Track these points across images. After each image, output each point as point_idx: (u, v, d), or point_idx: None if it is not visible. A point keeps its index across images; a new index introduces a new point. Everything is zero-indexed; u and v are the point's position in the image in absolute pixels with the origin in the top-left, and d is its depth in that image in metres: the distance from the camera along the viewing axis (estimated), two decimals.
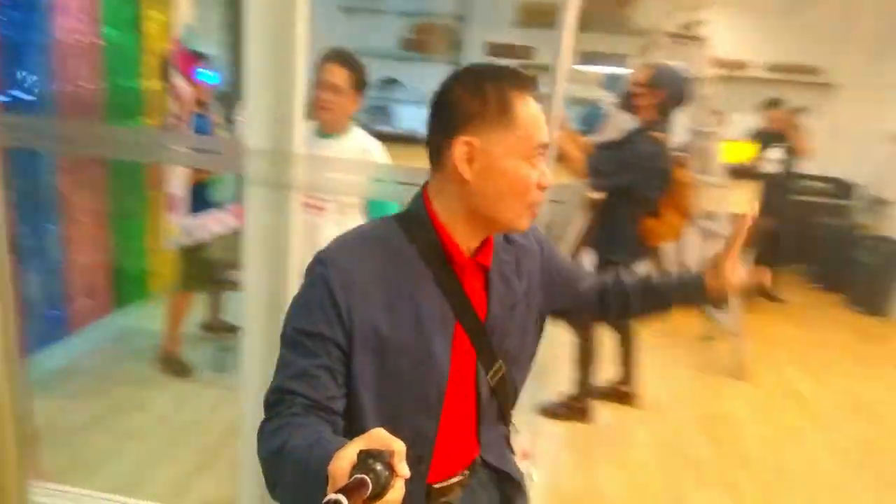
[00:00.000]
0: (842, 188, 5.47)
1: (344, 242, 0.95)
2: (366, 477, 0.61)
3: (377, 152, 2.09)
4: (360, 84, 2.08)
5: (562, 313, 1.17)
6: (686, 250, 3.91)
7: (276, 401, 0.87)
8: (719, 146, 3.60)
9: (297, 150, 1.67)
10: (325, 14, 5.44)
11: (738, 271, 1.11)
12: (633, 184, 2.68)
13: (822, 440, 3.01)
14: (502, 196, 0.91)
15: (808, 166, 4.93)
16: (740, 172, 4.49)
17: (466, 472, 1.04)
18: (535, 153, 0.90)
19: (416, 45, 5.60)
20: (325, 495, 0.63)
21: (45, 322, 2.96)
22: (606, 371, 3.11)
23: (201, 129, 2.87)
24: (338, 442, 0.72)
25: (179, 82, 2.67)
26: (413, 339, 0.92)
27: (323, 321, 0.87)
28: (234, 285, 3.37)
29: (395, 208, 2.17)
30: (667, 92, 2.72)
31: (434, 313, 0.93)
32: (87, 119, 2.92)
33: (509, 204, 0.91)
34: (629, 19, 5.39)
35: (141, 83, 3.33)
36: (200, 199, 2.93)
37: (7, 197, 1.68)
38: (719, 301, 1.14)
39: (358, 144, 2.08)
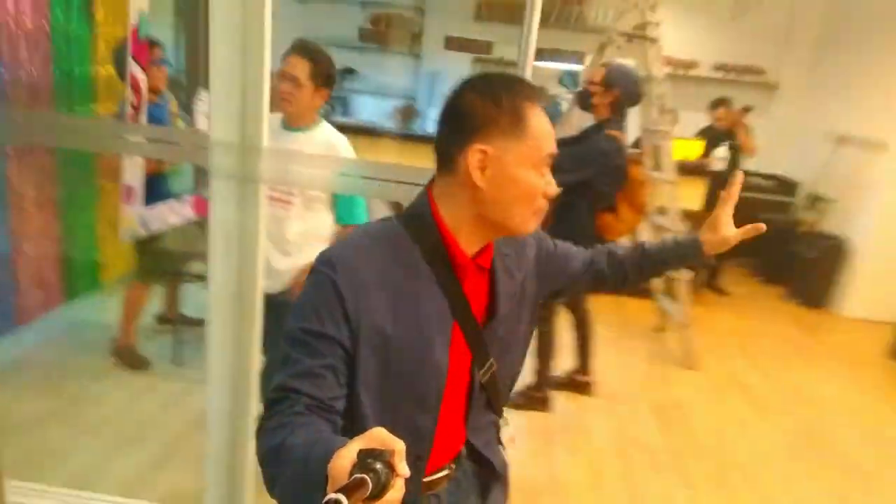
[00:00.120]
0: (784, 186, 5.73)
1: (349, 242, 0.95)
2: (366, 476, 0.60)
3: (343, 147, 2.08)
4: (323, 77, 2.04)
5: (555, 293, 1.20)
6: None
7: (278, 399, 0.87)
8: (671, 144, 3.73)
9: (263, 143, 1.67)
10: (281, 2, 5.35)
11: (732, 228, 1.20)
12: (590, 180, 2.76)
13: (766, 427, 3.18)
14: (512, 203, 0.93)
15: (752, 164, 5.15)
16: (689, 169, 4.65)
17: (453, 465, 1.07)
18: (543, 162, 0.93)
19: (375, 35, 5.58)
20: (325, 494, 0.63)
21: None
22: (565, 362, 3.20)
23: (157, 117, 2.80)
24: (338, 441, 0.72)
25: (135, 70, 2.59)
26: (415, 340, 0.93)
27: (330, 322, 0.88)
28: (191, 277, 3.31)
29: (362, 203, 2.20)
30: (621, 91, 2.81)
31: (434, 314, 0.95)
32: (35, 106, 2.81)
33: (518, 210, 0.94)
34: (585, 17, 5.50)
35: (92, 70, 3.22)
36: (157, 189, 2.87)
37: None
38: (711, 258, 1.22)
39: (324, 139, 2.07)
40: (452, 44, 5.59)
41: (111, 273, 3.66)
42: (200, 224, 3.27)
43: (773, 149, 5.18)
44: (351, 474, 0.62)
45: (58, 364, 2.93)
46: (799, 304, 5.11)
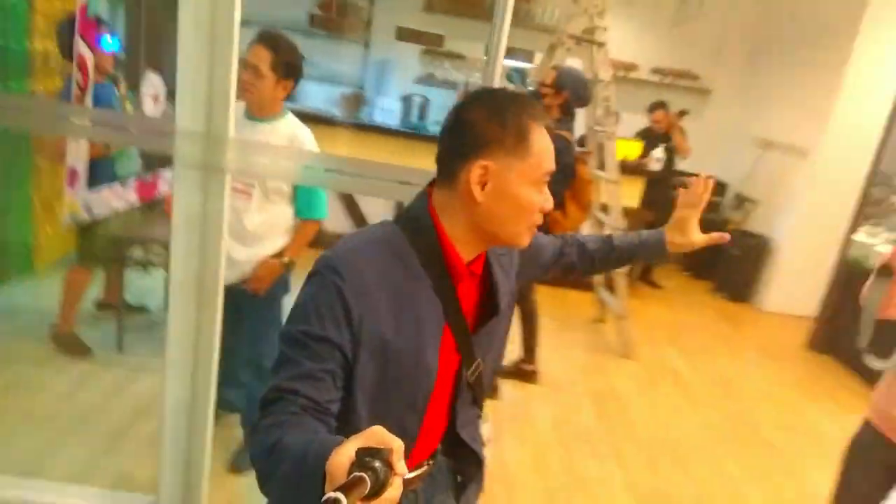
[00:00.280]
0: (713, 185, 6.07)
1: (352, 247, 0.96)
2: (364, 475, 0.60)
3: (308, 140, 2.08)
4: (286, 68, 2.02)
5: (527, 280, 1.25)
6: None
7: (275, 399, 0.87)
8: (615, 144, 3.91)
9: (229, 133, 1.67)
10: None
11: (698, 232, 1.27)
12: None
13: (695, 413, 3.41)
14: (509, 218, 0.96)
15: (686, 165, 5.43)
16: (629, 169, 4.87)
17: (430, 461, 1.10)
18: (543, 180, 0.96)
19: (325, 22, 5.51)
20: (322, 491, 0.65)
21: None
22: (511, 351, 3.32)
23: (103, 99, 2.71)
24: (335, 439, 0.72)
25: (82, 49, 2.50)
26: (411, 344, 0.95)
27: (332, 327, 0.89)
28: (134, 263, 3.23)
29: (323, 197, 2.21)
30: (571, 93, 2.94)
31: (429, 318, 0.97)
32: None
33: (513, 225, 0.97)
34: (533, 15, 5.62)
35: (28, 44, 3.07)
36: (101, 173, 2.78)
37: None
38: (673, 256, 1.30)
39: (287, 131, 2.06)
40: (404, 34, 5.59)
41: (45, 257, 3.51)
42: (144, 209, 3.18)
43: (704, 151, 5.47)
44: (349, 473, 0.62)
45: None
46: (725, 298, 5.45)
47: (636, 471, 2.77)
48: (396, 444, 0.65)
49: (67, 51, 2.53)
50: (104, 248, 2.97)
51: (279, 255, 2.14)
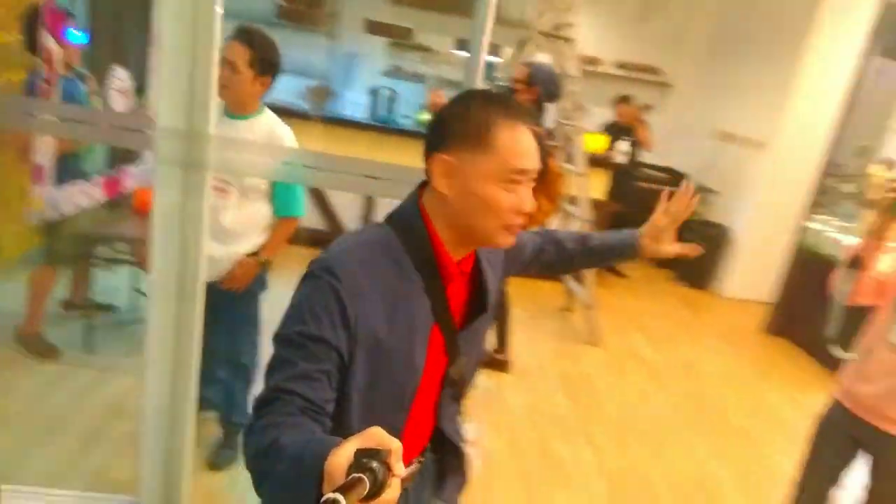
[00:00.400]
0: (675, 177, 6.24)
1: (346, 248, 0.97)
2: (363, 476, 0.60)
3: (287, 137, 2.08)
4: (262, 64, 2.02)
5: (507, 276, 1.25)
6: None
7: (272, 399, 0.87)
8: (583, 138, 4.00)
9: (210, 130, 1.67)
10: None
11: (673, 242, 1.29)
12: None
13: (661, 396, 3.55)
14: (475, 215, 0.96)
15: (649, 157, 5.59)
16: (595, 162, 4.98)
17: (421, 459, 1.11)
18: (510, 178, 0.94)
19: (292, 13, 5.45)
20: (319, 491, 0.66)
21: None
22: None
23: (70, 94, 2.65)
24: (333, 440, 0.72)
25: (48, 42, 2.44)
26: (403, 343, 0.96)
27: (329, 328, 0.89)
28: (101, 261, 3.17)
29: (301, 195, 2.21)
30: (542, 88, 3.00)
31: (420, 318, 0.98)
32: None
33: (482, 223, 0.96)
34: (501, 10, 5.67)
35: None
36: (68, 170, 2.72)
37: None
38: (645, 259, 1.34)
39: (265, 128, 2.05)
40: (372, 27, 5.57)
41: (7, 255, 3.41)
42: (110, 206, 3.13)
43: (666, 143, 5.63)
44: (348, 473, 0.62)
45: None
46: (686, 286, 5.63)
47: (607, 452, 2.88)
48: (395, 445, 0.66)
49: (32, 43, 2.47)
50: (70, 247, 2.91)
51: (256, 253, 2.14)
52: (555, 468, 2.70)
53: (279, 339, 0.92)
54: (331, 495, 0.57)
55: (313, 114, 5.26)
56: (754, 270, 5.33)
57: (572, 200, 4.08)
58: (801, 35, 4.90)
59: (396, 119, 5.52)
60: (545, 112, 3.07)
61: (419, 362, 0.99)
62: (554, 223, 4.19)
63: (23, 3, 2.94)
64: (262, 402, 0.88)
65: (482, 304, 1.09)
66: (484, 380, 3.30)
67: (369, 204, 4.75)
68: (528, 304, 4.38)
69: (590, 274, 4.08)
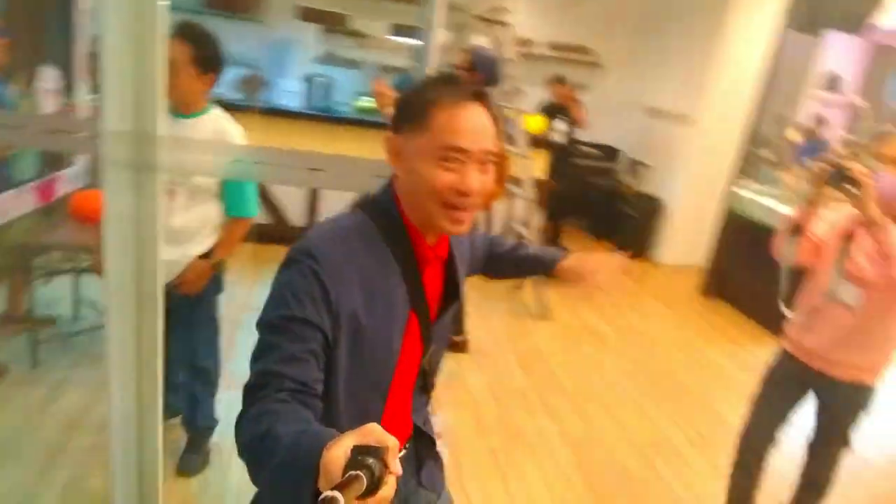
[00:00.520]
0: (609, 153, 6.47)
1: (325, 234, 0.98)
2: (361, 474, 0.60)
3: (234, 134, 2.03)
4: (205, 61, 1.95)
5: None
6: (494, 211, 4.47)
7: (262, 384, 0.86)
8: (523, 120, 4.08)
9: (159, 131, 1.63)
10: None
11: (600, 273, 1.27)
12: None
13: (611, 362, 3.72)
14: (416, 194, 0.97)
15: (585, 135, 5.75)
16: (534, 142, 5.09)
17: (408, 447, 1.14)
18: (445, 156, 0.93)
19: (220, 2, 5.27)
20: (314, 484, 0.66)
21: None
22: None
23: None
24: (327, 433, 0.72)
25: None
26: (381, 327, 0.97)
27: (312, 308, 0.90)
28: (41, 273, 3.02)
29: (253, 194, 2.17)
30: (484, 73, 3.05)
31: (397, 303, 0.99)
32: None
33: (423, 202, 0.97)
34: None
35: None
36: None
37: None
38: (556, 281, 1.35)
39: (212, 126, 2.00)
40: (304, 13, 5.45)
41: None
42: (43, 213, 2.98)
43: (600, 121, 5.81)
44: (345, 470, 0.62)
45: None
46: (626, 256, 5.85)
47: (567, 421, 3.01)
48: (392, 442, 0.65)
49: None
50: (5, 258, 2.76)
51: (208, 254, 2.10)
52: (520, 441, 2.80)
53: (263, 325, 0.93)
54: (329, 493, 0.57)
55: (248, 105, 5.13)
56: (688, 237, 5.62)
57: (516, 182, 4.17)
58: (721, 12, 5.15)
59: (334, 107, 5.45)
60: None
61: (396, 347, 1.01)
62: (499, 204, 4.30)
63: None
64: (252, 388, 0.87)
65: (455, 292, 1.12)
66: (444, 362, 3.36)
67: (313, 196, 4.70)
68: (479, 285, 4.44)
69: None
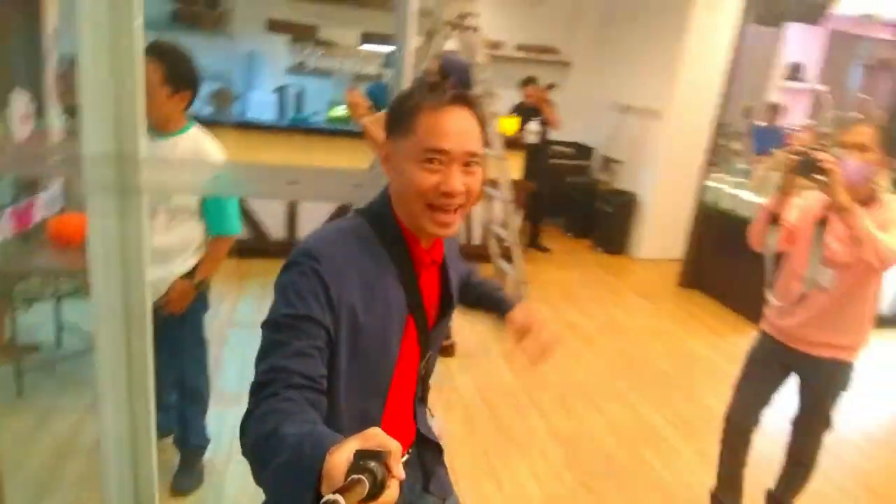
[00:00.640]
0: (583, 151, 6.57)
1: (324, 236, 1.01)
2: (363, 477, 0.60)
3: (213, 151, 2.03)
4: (178, 80, 1.96)
5: None
6: (473, 214, 4.52)
7: (269, 380, 0.88)
8: (497, 122, 4.13)
9: (140, 153, 1.63)
10: None
11: (537, 346, 1.24)
12: None
13: (594, 356, 3.78)
14: (402, 196, 1.01)
15: (558, 134, 5.83)
16: (509, 144, 5.15)
17: (411, 452, 1.16)
18: (428, 158, 0.97)
19: (189, 17, 5.25)
20: (316, 487, 0.67)
21: None
22: None
23: None
24: (330, 435, 0.73)
25: None
26: (379, 328, 1.00)
27: (316, 306, 0.93)
28: (22, 301, 2.99)
29: (235, 211, 2.17)
30: (456, 79, 3.09)
31: (395, 305, 1.02)
32: None
33: (408, 203, 1.01)
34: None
35: None
36: None
37: None
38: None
39: (190, 145, 2.00)
40: (273, 25, 5.44)
41: None
42: (21, 239, 2.94)
43: (572, 120, 5.90)
44: (347, 474, 0.62)
45: None
46: (604, 252, 5.96)
47: (555, 417, 3.06)
48: (394, 447, 0.66)
49: None
50: None
51: (192, 273, 2.10)
52: (510, 440, 2.85)
53: (268, 324, 0.95)
54: (330, 497, 0.57)
55: (220, 119, 5.11)
56: (663, 231, 5.74)
57: (493, 184, 4.22)
58: (684, 8, 5.28)
59: (306, 117, 5.45)
60: None
61: (394, 349, 1.04)
62: (477, 207, 4.34)
63: None
64: (260, 385, 0.89)
65: (450, 298, 1.15)
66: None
67: (292, 208, 4.70)
68: None
69: (518, 252, 4.25)
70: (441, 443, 1.27)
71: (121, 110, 1.59)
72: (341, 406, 1.00)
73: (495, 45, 6.19)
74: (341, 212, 3.92)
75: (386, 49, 5.79)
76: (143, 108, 1.60)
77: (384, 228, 1.04)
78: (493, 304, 1.35)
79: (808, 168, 1.84)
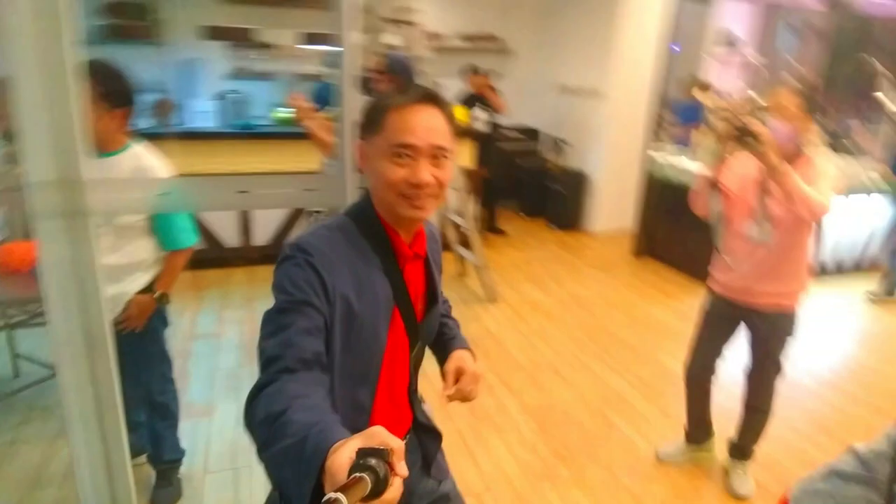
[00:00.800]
0: (531, 135, 6.67)
1: (312, 233, 1.07)
2: (365, 476, 0.61)
3: (157, 168, 2.00)
4: (114, 97, 1.92)
5: None
6: None
7: (279, 355, 0.91)
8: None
9: (83, 175, 1.62)
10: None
11: (458, 394, 1.24)
12: None
13: (558, 331, 3.89)
14: (378, 190, 1.08)
15: (505, 120, 5.91)
16: (460, 133, 5.21)
17: (408, 437, 1.21)
18: (397, 153, 1.03)
19: (119, 31, 5.11)
20: (317, 479, 0.68)
21: None
22: None
23: None
24: (337, 430, 0.74)
25: None
26: (370, 318, 1.05)
27: (313, 293, 0.98)
28: None
29: (187, 225, 2.16)
30: (401, 75, 3.12)
31: (382, 296, 1.08)
32: None
33: (384, 196, 1.08)
34: None
35: None
36: None
37: None
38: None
39: (133, 163, 1.96)
40: (208, 31, 5.34)
41: None
42: None
43: (518, 105, 5.99)
44: (350, 472, 0.63)
45: None
46: (559, 230, 6.10)
47: (525, 393, 3.15)
48: (397, 445, 0.67)
49: None
50: None
51: (149, 289, 2.09)
52: (485, 419, 2.92)
53: (272, 311, 1.00)
54: (332, 494, 0.57)
55: (161, 131, 5.00)
56: (614, 204, 5.90)
57: None
58: None
59: (250, 122, 5.38)
60: None
61: (382, 338, 1.08)
62: None
63: None
64: (270, 360, 0.92)
65: (435, 292, 1.21)
66: None
67: (245, 215, 4.65)
68: None
69: (476, 238, 4.33)
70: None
71: (60, 133, 1.59)
72: (335, 393, 1.04)
73: (437, 37, 6.22)
74: (299, 212, 3.90)
75: (326, 48, 5.75)
76: (84, 129, 1.60)
77: (366, 223, 1.11)
78: (443, 342, 1.36)
79: (742, 135, 1.96)
